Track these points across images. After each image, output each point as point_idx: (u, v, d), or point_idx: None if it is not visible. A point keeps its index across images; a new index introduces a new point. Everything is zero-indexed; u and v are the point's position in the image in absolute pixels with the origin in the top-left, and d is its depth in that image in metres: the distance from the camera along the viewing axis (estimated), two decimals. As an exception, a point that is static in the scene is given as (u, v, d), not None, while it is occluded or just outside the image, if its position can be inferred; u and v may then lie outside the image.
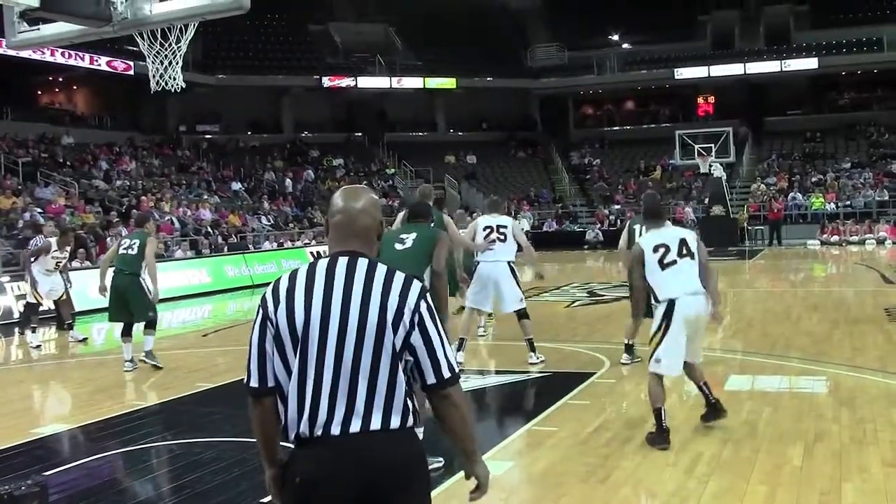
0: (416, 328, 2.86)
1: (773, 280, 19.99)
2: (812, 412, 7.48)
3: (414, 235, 6.90)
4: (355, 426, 2.81)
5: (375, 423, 2.82)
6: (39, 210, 23.71)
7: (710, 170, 34.64)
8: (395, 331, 2.84)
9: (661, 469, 6.12)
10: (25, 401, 10.15)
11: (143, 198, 28.40)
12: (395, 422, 2.85)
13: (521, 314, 10.21)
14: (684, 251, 6.86)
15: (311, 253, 27.16)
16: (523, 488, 5.89)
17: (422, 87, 44.35)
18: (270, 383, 2.89)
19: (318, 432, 2.81)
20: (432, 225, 7.63)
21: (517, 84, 46.20)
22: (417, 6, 41.95)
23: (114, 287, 11.18)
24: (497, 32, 45.06)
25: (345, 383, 2.81)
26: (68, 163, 30.94)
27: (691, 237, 7.04)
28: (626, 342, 9.92)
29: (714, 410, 7.13)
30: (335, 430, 2.80)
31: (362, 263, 2.91)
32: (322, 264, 2.93)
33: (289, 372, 2.86)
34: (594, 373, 9.54)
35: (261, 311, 2.91)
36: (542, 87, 46.53)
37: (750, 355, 9.28)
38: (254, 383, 2.91)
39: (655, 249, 6.86)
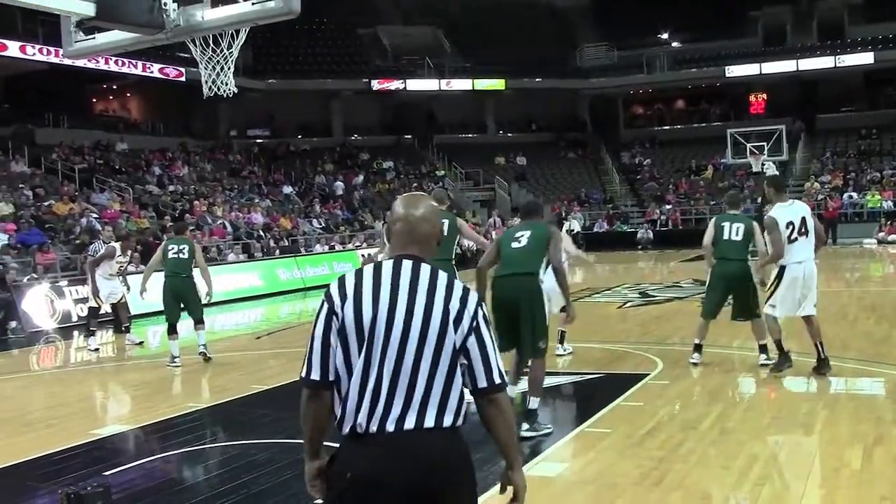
0: (473, 333, 2.95)
1: (828, 279, 19.68)
2: (871, 414, 7.34)
3: (528, 233, 7.32)
4: (410, 423, 2.87)
5: (430, 421, 2.89)
6: (96, 215, 24.12)
7: (762, 169, 34.17)
8: (455, 332, 2.93)
9: (715, 472, 6.05)
10: (84, 402, 10.33)
11: (196, 202, 28.76)
12: (447, 420, 2.92)
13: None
14: (803, 229, 8.77)
15: (362, 255, 27.28)
16: (576, 490, 5.86)
17: (471, 88, 44.35)
18: (332, 377, 2.95)
19: (374, 427, 2.87)
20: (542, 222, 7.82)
21: (566, 84, 45.99)
22: (465, 8, 41.98)
23: (171, 289, 12.00)
24: (545, 33, 44.91)
25: (404, 380, 2.89)
26: (122, 169, 31.44)
27: (809, 213, 8.95)
28: (696, 342, 9.80)
29: (822, 364, 8.86)
30: (391, 426, 2.87)
31: (425, 268, 3.01)
32: (388, 265, 3.01)
33: (348, 366, 2.93)
34: (647, 374, 9.47)
35: (326, 304, 2.97)
36: (591, 88, 46.29)
37: (805, 356, 9.14)
38: (315, 376, 2.96)
39: (787, 226, 8.74)
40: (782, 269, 8.83)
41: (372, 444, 2.87)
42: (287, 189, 35.38)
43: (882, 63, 40.86)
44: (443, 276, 3.01)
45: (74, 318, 17.73)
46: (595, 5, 47.04)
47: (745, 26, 45.70)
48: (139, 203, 27.76)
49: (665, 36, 46.80)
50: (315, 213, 33.31)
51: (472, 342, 2.95)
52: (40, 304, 17.74)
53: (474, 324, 2.97)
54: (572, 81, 46.05)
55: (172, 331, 11.92)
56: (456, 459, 2.94)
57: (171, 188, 30.81)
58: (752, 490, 5.67)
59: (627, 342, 11.71)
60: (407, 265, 3.00)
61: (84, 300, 16.88)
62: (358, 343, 2.91)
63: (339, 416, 2.95)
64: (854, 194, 35.70)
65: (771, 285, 9.00)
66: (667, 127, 48.25)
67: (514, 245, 7.31)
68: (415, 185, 40.09)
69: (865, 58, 41.06)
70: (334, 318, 2.94)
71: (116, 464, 7.06)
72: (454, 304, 2.95)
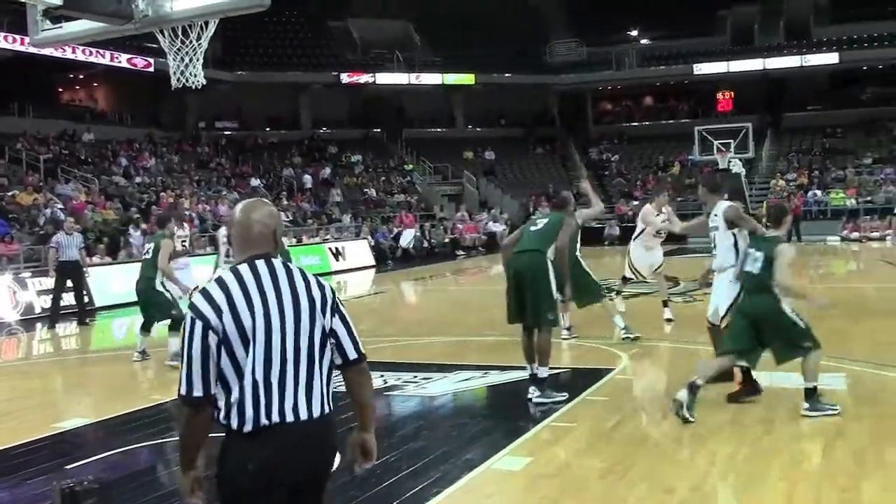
0: (336, 314, 3.26)
1: (793, 276, 19.82)
2: (831, 409, 7.44)
3: (546, 220, 8.56)
4: (304, 412, 3.09)
5: (326, 408, 3.19)
6: (60, 206, 23.87)
7: (729, 166, 34.47)
8: (324, 317, 3.21)
9: (680, 465, 6.11)
10: (47, 395, 10.24)
11: (163, 194, 28.55)
12: (329, 407, 3.20)
13: None
14: None
15: (329, 249, 27.24)
16: (542, 484, 5.89)
17: (440, 83, 44.33)
18: (213, 391, 3.07)
19: (273, 420, 3.04)
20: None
21: (536, 80, 46.04)
22: (437, 2, 41.93)
23: (136, 290, 11.51)
24: (516, 28, 44.92)
25: (293, 373, 3.09)
26: (89, 159, 31.12)
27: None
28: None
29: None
30: (290, 416, 3.06)
31: (278, 265, 3.21)
32: (245, 269, 3.17)
33: (237, 370, 3.05)
34: (612, 369, 9.54)
35: (198, 322, 3.05)
36: (560, 83, 46.34)
37: (768, 351, 9.24)
38: (198, 392, 3.06)
39: None
40: None
41: (272, 436, 3.03)
42: (255, 181, 35.17)
43: (846, 63, 41.41)
44: (295, 269, 3.24)
45: (38, 310, 17.51)
46: (566, 1, 47.17)
47: (714, 25, 46.03)
48: (105, 194, 27.49)
49: (634, 33, 47.00)
50: (282, 206, 33.15)
51: (336, 322, 3.24)
52: (3, 295, 17.49)
53: (334, 305, 3.25)
54: (542, 77, 46.08)
55: (144, 327, 11.48)
56: (335, 443, 3.22)
57: (138, 179, 30.56)
58: (716, 483, 5.75)
59: (593, 337, 11.76)
60: (262, 265, 3.18)
61: (48, 291, 16.75)
62: (244, 347, 3.04)
63: (230, 417, 3.06)
64: (818, 192, 36.12)
65: None
66: (635, 123, 48.47)
67: (532, 228, 8.50)
68: (383, 178, 40.05)
69: (830, 58, 41.55)
70: (211, 332, 3.03)
71: (78, 457, 6.99)
72: (316, 293, 3.21)
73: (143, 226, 23.79)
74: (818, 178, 37.67)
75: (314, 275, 3.30)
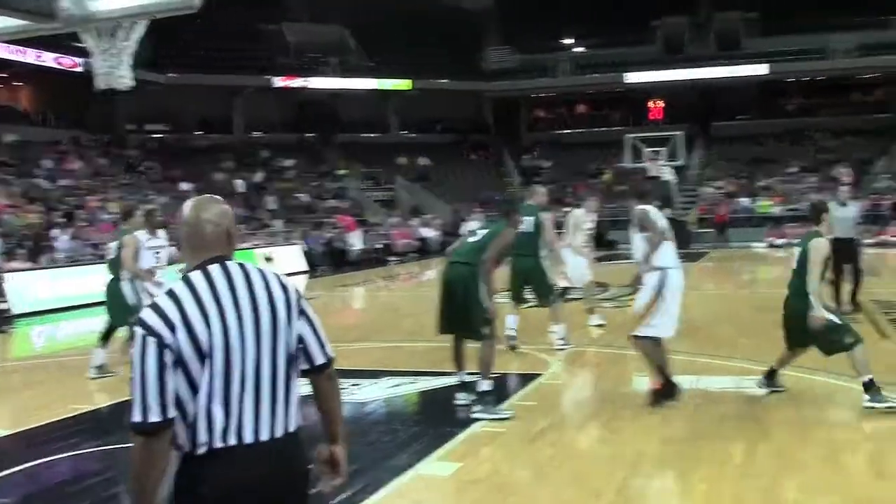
0: (303, 316, 3.00)
1: (719, 282, 20.22)
2: (755, 412, 7.57)
3: (485, 231, 8.15)
4: (279, 430, 2.86)
5: (291, 426, 2.91)
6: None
7: (659, 173, 34.99)
8: (289, 322, 2.94)
9: (606, 468, 6.15)
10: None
11: (89, 198, 28.01)
12: (296, 423, 2.95)
13: None
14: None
15: (260, 254, 26.98)
16: (470, 489, 5.88)
17: (375, 87, 44.26)
18: (172, 414, 2.73)
19: (249, 439, 2.79)
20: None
21: (471, 86, 46.21)
22: (373, 8, 41.87)
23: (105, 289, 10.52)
24: (452, 34, 45.02)
25: (254, 388, 2.83)
26: (10, 161, 30.38)
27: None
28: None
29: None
30: (263, 435, 2.82)
31: (234, 267, 2.95)
32: (198, 277, 2.87)
33: (194, 391, 2.76)
34: (541, 374, 9.58)
35: (152, 339, 2.72)
36: (495, 90, 46.65)
37: (695, 356, 9.37)
38: (155, 417, 2.70)
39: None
40: (664, 273, 7.90)
41: (227, 457, 2.76)
42: (185, 186, 34.67)
43: (776, 75, 42.39)
44: (253, 270, 2.97)
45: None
46: (500, 8, 47.41)
47: (646, 34, 46.68)
48: (27, 197, 26.85)
49: (568, 41, 47.42)
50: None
51: (302, 325, 2.99)
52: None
53: (300, 306, 3.00)
54: (476, 83, 46.29)
55: (103, 337, 10.41)
56: (303, 463, 2.98)
57: (63, 182, 29.93)
58: (642, 485, 5.80)
59: (522, 342, 11.79)
60: (216, 271, 2.90)
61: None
62: (200, 365, 2.76)
63: (184, 439, 2.78)
64: (745, 200, 36.84)
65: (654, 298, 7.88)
66: (568, 130, 48.91)
67: (471, 238, 8.20)
68: (315, 184, 39.82)
69: (760, 69, 42.45)
70: (167, 351, 2.72)
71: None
72: (278, 296, 2.94)
73: (69, 230, 23.34)
74: (746, 186, 38.42)
75: (275, 274, 3.03)
